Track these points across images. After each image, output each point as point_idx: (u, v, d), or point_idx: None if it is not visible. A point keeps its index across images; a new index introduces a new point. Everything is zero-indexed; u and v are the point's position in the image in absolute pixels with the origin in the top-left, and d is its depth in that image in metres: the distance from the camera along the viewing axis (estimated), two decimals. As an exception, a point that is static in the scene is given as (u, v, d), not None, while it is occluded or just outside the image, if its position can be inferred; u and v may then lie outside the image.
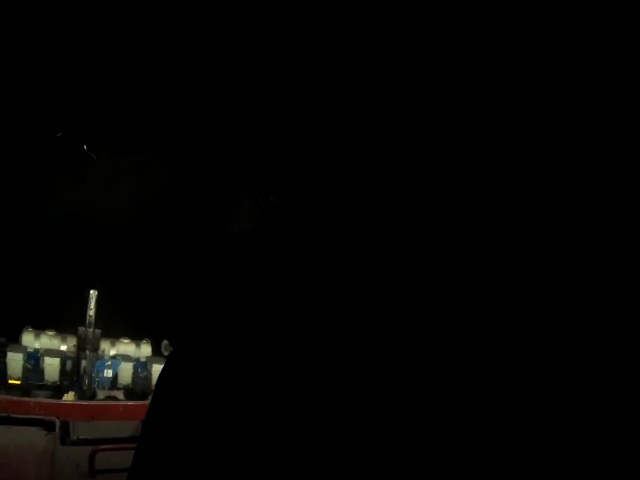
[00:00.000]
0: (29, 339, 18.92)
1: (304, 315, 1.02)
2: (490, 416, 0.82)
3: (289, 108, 1.20)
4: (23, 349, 18.38)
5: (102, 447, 5.79)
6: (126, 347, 20.84)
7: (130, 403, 9.41)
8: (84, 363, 18.59)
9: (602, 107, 0.90)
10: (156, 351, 21.19)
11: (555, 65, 0.90)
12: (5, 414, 6.43)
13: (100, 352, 19.56)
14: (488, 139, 0.99)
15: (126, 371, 19.75)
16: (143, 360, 20.56)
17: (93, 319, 19.09)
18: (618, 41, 0.84)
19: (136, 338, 21.20)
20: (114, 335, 20.50)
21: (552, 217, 0.93)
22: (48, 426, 6.62)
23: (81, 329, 19.18)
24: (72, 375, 18.59)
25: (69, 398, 14.00)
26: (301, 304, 1.05)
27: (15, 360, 17.79)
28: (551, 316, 0.86)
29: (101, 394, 15.62)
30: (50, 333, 19.33)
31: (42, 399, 10.59)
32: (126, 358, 20.16)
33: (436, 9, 0.88)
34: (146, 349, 21.28)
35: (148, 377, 20.12)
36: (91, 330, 19.04)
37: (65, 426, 6.78)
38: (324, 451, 0.86)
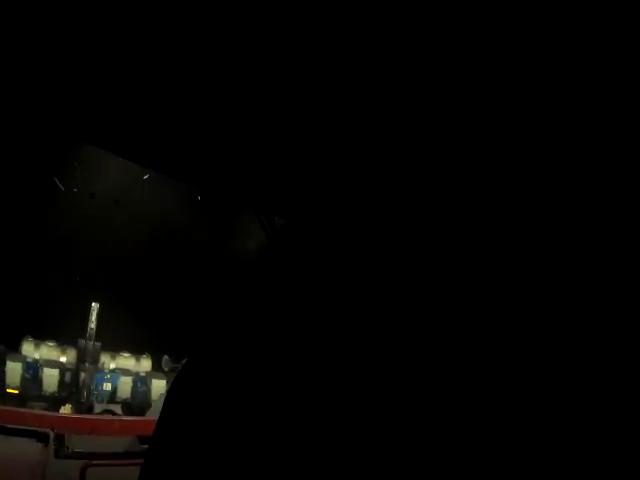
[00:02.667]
0: (29, 349, 18.93)
1: (307, 323, 1.03)
2: (490, 416, 0.82)
3: (291, 127, 1.19)
4: (22, 358, 18.38)
5: (93, 462, 5.72)
6: (126, 361, 20.83)
7: (127, 418, 9.36)
8: (83, 375, 18.57)
9: (602, 107, 0.89)
10: (156, 366, 21.18)
11: (555, 65, 0.89)
12: (-2, 424, 6.38)
13: (100, 365, 19.55)
14: (488, 140, 0.99)
15: (125, 385, 19.73)
16: (142, 375, 20.54)
17: (94, 332, 19.14)
18: (618, 41, 0.83)
19: (136, 352, 21.19)
20: (114, 349, 20.50)
21: (552, 217, 0.93)
22: (42, 438, 6.55)
23: (81, 341, 19.22)
24: (71, 387, 18.57)
25: (66, 410, 13.95)
26: (303, 312, 1.06)
27: (14, 369, 17.77)
28: (551, 316, 0.86)
29: (98, 407, 15.50)
30: (50, 344, 19.34)
31: (37, 410, 10.52)
32: (125, 372, 20.15)
33: (436, 9, 0.87)
34: (146, 364, 21.27)
35: (147, 392, 20.09)
36: (91, 343, 19.06)
37: (59, 439, 6.70)
38: (328, 455, 0.86)
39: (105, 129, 1.28)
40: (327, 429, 0.88)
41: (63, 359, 19.40)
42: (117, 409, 15.73)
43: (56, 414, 10.06)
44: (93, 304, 19.04)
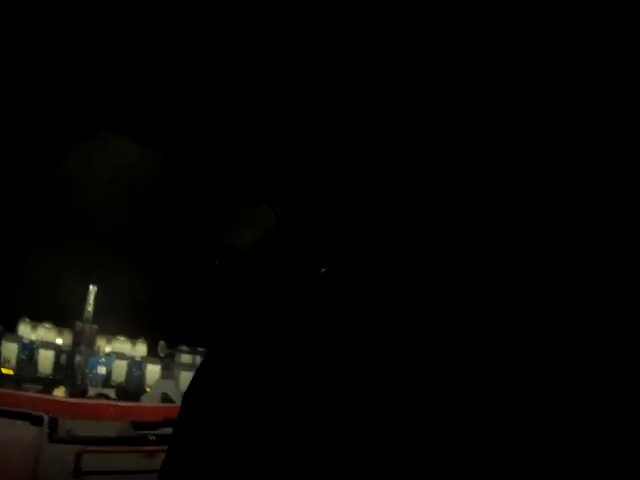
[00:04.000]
0: (25, 330, 19.00)
1: (312, 326, 1.05)
2: (490, 416, 0.82)
3: (304, 125, 1.20)
4: (19, 339, 18.45)
5: (89, 449, 5.69)
6: (121, 345, 20.91)
7: (122, 404, 9.34)
8: (78, 358, 18.61)
9: (602, 108, 0.90)
10: (151, 351, 21.26)
11: (555, 66, 0.89)
12: (-10, 406, 6.35)
13: (95, 348, 19.60)
14: (489, 145, 1.00)
15: (120, 369, 19.82)
16: (138, 359, 20.62)
17: (91, 315, 19.15)
18: (618, 41, 0.83)
19: (132, 337, 21.26)
20: (110, 332, 20.55)
21: (552, 219, 0.94)
22: (35, 421, 6.52)
23: (78, 324, 19.24)
24: (66, 369, 18.62)
25: (59, 393, 13.96)
26: (308, 317, 1.08)
27: (10, 350, 17.85)
28: (551, 317, 0.87)
29: (92, 391, 15.54)
30: (47, 325, 19.39)
31: (32, 393, 10.51)
32: (120, 356, 20.22)
33: (436, 10, 0.87)
34: (141, 348, 21.35)
35: (141, 376, 20.17)
36: (88, 325, 19.08)
37: (53, 422, 6.67)
38: (331, 455, 0.87)
39: (128, 116, 1.29)
40: (334, 428, 0.90)
41: (59, 341, 19.45)
42: (111, 393, 15.79)
43: (50, 397, 10.05)
44: (91, 287, 19.04)
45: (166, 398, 9.66)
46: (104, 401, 10.83)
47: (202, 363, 1.24)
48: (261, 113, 1.17)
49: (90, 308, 19.11)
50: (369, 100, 1.06)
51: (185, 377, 19.36)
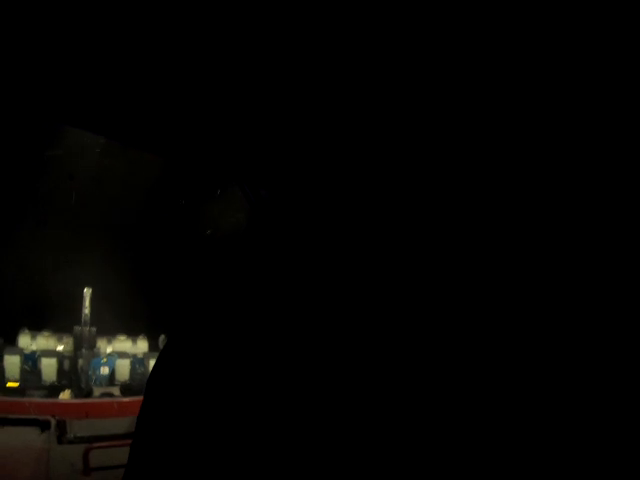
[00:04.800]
0: (25, 341, 18.86)
1: (301, 312, 1.00)
2: (490, 417, 0.82)
3: (282, 99, 1.18)
4: (20, 351, 18.34)
5: (95, 445, 5.84)
6: (122, 344, 20.75)
7: (125, 400, 9.44)
8: (81, 362, 18.57)
9: (602, 108, 0.90)
10: (153, 346, 21.13)
11: (555, 65, 0.91)
12: (-1, 415, 6.46)
13: (96, 350, 19.50)
14: (487, 137, 0.99)
15: (123, 367, 19.65)
16: (140, 356, 20.52)
17: (88, 317, 19.02)
18: (618, 41, 0.85)
19: (132, 334, 21.15)
20: (110, 333, 20.46)
21: (552, 218, 0.93)
22: (43, 425, 6.65)
23: (77, 328, 19.10)
24: (70, 374, 18.55)
25: (65, 397, 13.99)
26: (297, 301, 1.02)
27: (13, 362, 17.75)
28: (551, 317, 0.87)
29: (97, 391, 15.60)
30: (46, 334, 19.28)
31: (37, 399, 10.58)
32: (122, 355, 20.09)
33: (436, 9, 0.90)
34: (142, 345, 21.18)
35: (145, 373, 20.01)
36: (87, 329, 19.00)
37: (61, 425, 6.81)
38: (322, 450, 0.85)
39: (75, 104, 1.27)
40: (322, 425, 0.87)
41: (60, 348, 19.35)
42: (115, 392, 15.81)
43: (55, 400, 10.13)
44: (85, 289, 18.89)
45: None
46: (108, 399, 10.94)
47: (164, 348, 1.19)
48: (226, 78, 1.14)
49: (87, 311, 18.92)
50: (357, 81, 1.06)
51: (189, 368, 19.23)
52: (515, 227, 0.94)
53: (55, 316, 19.06)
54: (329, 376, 0.90)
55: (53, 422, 6.66)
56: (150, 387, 1.17)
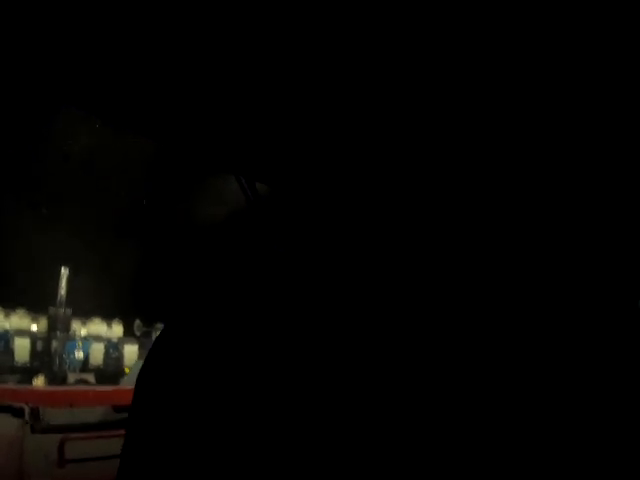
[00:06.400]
0: (-1, 319, 18.65)
1: (299, 312, 0.98)
2: (489, 417, 0.81)
3: (284, 96, 1.16)
4: (-8, 329, 18.13)
5: (71, 436, 5.75)
6: (97, 327, 20.65)
7: (101, 389, 9.35)
8: (55, 344, 18.37)
9: (602, 108, 0.90)
10: (127, 331, 21.05)
11: (555, 65, 0.89)
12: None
13: (71, 332, 19.31)
14: (487, 139, 0.99)
15: (97, 352, 19.59)
16: (114, 341, 20.42)
17: (64, 298, 18.79)
18: (618, 41, 0.84)
19: (107, 317, 21.02)
20: (85, 315, 20.29)
21: (552, 219, 0.93)
22: (17, 413, 6.54)
23: (52, 309, 18.88)
24: (43, 356, 18.36)
25: (39, 382, 13.85)
26: (296, 301, 1.00)
27: (-17, 341, 17.56)
28: (551, 317, 0.86)
29: (71, 377, 15.47)
30: (20, 312, 19.05)
31: (12, 385, 10.46)
32: (97, 339, 20.00)
33: (437, 9, 0.87)
34: (117, 329, 21.12)
35: (120, 358, 19.99)
36: (62, 310, 18.76)
37: (35, 412, 6.69)
38: (321, 451, 0.83)
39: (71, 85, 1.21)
40: (320, 424, 0.86)
41: (34, 328, 19.14)
42: (90, 378, 15.71)
43: (31, 387, 10.03)
44: (62, 269, 18.62)
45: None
46: (84, 387, 10.83)
47: (158, 339, 1.12)
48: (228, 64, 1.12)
49: (63, 292, 18.74)
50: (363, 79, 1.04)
51: (163, 355, 19.22)
52: (514, 230, 0.95)
53: (30, 295, 18.83)
54: (326, 374, 0.89)
55: (27, 410, 6.55)
56: (144, 381, 1.07)
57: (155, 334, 20.57)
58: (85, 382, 14.20)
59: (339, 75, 1.05)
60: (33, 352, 18.40)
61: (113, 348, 20.13)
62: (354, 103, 1.08)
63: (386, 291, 0.96)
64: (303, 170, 1.21)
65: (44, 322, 19.17)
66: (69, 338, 18.96)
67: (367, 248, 1.02)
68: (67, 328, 19.02)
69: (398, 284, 0.96)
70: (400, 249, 1.00)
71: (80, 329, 20.05)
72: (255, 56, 1.06)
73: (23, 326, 18.98)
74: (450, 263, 0.96)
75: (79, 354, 19.02)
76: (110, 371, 18.56)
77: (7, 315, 18.76)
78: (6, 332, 18.23)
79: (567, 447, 0.78)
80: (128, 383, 10.17)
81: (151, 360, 1.10)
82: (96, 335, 20.21)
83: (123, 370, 18.30)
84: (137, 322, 20.79)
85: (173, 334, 1.11)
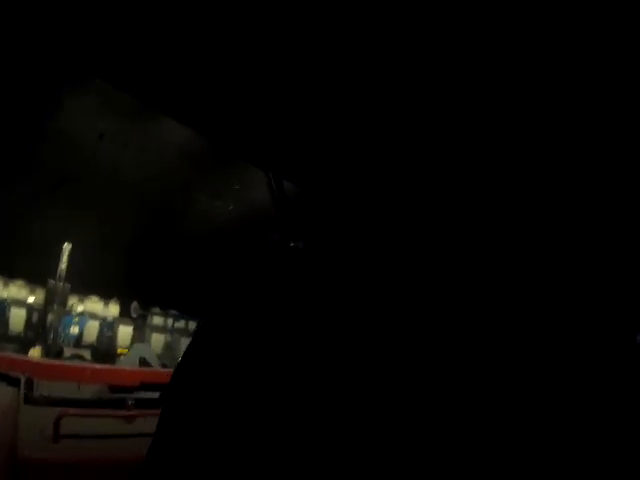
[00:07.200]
0: (-4, 287, 18.75)
1: (308, 320, 1.03)
2: (489, 416, 0.82)
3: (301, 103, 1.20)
4: (-11, 297, 18.24)
5: (69, 412, 5.65)
6: (94, 305, 20.79)
7: (99, 367, 9.31)
8: (50, 316, 18.42)
9: (602, 108, 0.89)
10: (124, 311, 21.19)
11: (555, 66, 0.89)
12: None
13: (68, 307, 19.43)
14: (489, 140, 0.99)
15: (92, 329, 19.76)
16: (110, 320, 20.54)
17: (64, 273, 18.88)
18: (618, 41, 0.83)
19: (105, 297, 21.13)
20: (83, 292, 20.39)
21: (551, 219, 0.94)
22: (12, 382, 6.46)
23: (51, 282, 18.96)
24: (37, 328, 18.45)
25: (35, 353, 13.85)
26: (305, 309, 1.06)
27: (-20, 308, 17.68)
28: (550, 317, 0.87)
29: (67, 351, 15.46)
30: (19, 283, 19.15)
31: (10, 354, 10.42)
32: (93, 316, 20.13)
33: (437, 9, 0.87)
34: (114, 309, 21.25)
35: (113, 337, 20.14)
36: (61, 284, 18.82)
37: (29, 383, 6.61)
38: (326, 453, 0.86)
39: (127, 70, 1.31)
40: (329, 426, 0.88)
41: (31, 299, 19.25)
42: (86, 354, 15.73)
43: (29, 358, 9.98)
44: (65, 244, 18.72)
45: (144, 362, 9.67)
46: (81, 363, 10.77)
47: (195, 338, 1.22)
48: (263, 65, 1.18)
49: (64, 266, 18.81)
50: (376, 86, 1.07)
51: (156, 339, 19.41)
52: (514, 230, 0.96)
53: (30, 266, 18.87)
54: (333, 380, 0.92)
55: (23, 380, 6.47)
56: (184, 370, 1.19)
57: (150, 317, 20.72)
58: (81, 358, 14.14)
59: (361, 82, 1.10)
60: (28, 323, 18.53)
61: (108, 327, 20.25)
62: (370, 109, 1.12)
63: (394, 294, 0.99)
64: (328, 170, 1.26)
65: (41, 295, 19.27)
66: (65, 312, 19.04)
67: (375, 251, 1.06)
68: (64, 302, 19.07)
69: (403, 286, 0.98)
70: (407, 252, 1.03)
71: (77, 305, 20.15)
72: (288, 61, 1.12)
73: (20, 296, 19.08)
74: (453, 268, 0.97)
75: (74, 329, 19.12)
76: (103, 349, 18.71)
77: (5, 284, 18.85)
78: (3, 301, 18.34)
79: (566, 447, 0.78)
80: (126, 364, 10.15)
81: (191, 352, 1.19)
82: (92, 312, 20.31)
83: (116, 350, 18.41)
84: (134, 304, 20.94)
85: (209, 331, 1.19)
